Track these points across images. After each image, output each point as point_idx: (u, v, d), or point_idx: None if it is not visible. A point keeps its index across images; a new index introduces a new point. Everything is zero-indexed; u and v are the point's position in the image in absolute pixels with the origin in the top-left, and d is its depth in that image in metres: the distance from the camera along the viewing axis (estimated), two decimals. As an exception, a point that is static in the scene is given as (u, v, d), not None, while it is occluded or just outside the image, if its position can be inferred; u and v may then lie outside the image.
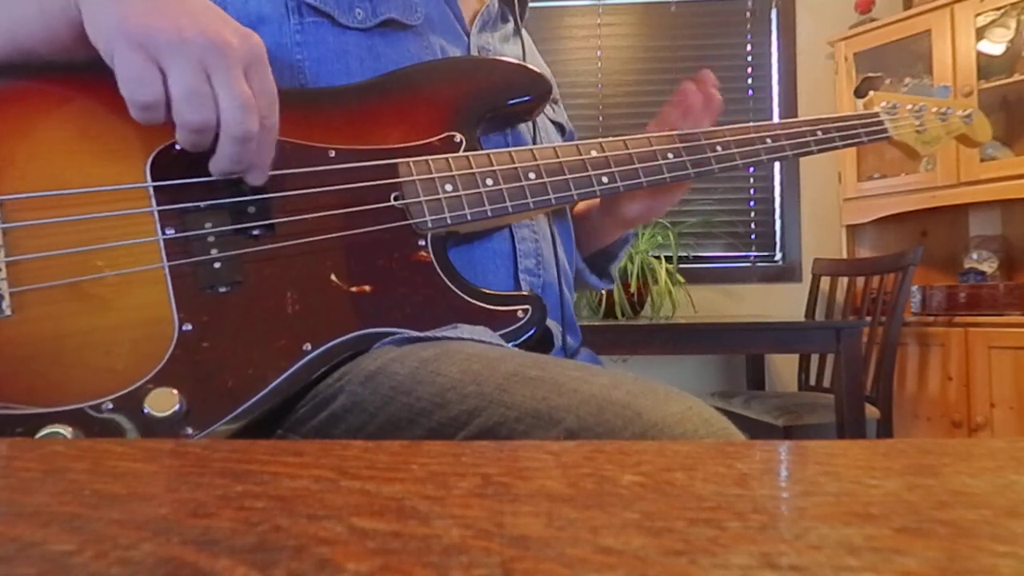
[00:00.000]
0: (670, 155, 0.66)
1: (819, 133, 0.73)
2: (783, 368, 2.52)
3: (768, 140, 0.70)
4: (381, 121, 0.56)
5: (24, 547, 0.13)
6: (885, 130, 0.79)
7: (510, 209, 0.57)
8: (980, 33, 2.19)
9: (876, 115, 0.79)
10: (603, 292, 2.14)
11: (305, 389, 0.49)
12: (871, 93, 0.82)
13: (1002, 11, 2.17)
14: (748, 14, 2.64)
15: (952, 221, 2.50)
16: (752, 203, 2.63)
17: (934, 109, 0.84)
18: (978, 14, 2.16)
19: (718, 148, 0.68)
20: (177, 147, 0.48)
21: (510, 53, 0.73)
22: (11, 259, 0.43)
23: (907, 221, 2.47)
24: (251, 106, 0.45)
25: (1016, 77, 2.15)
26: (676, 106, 0.69)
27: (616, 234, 0.82)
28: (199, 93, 0.44)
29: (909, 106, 0.82)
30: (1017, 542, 0.14)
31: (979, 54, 2.18)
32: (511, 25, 0.76)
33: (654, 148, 0.65)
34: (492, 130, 0.64)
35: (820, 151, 0.73)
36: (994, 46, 2.23)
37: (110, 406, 0.42)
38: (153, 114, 0.44)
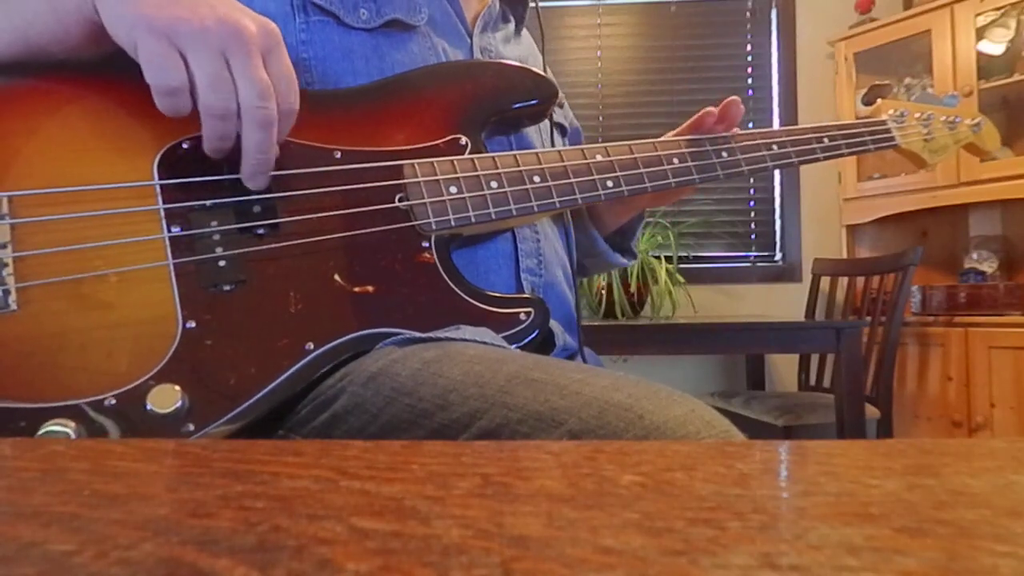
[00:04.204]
0: (675, 160, 0.65)
1: (825, 140, 0.72)
2: (783, 368, 2.52)
3: (774, 147, 0.70)
4: (387, 123, 0.56)
5: (24, 547, 0.13)
6: (892, 138, 0.78)
7: (514, 212, 0.57)
8: (980, 33, 2.19)
9: (883, 123, 0.79)
10: (603, 292, 2.13)
11: (307, 389, 0.49)
12: (879, 101, 0.81)
13: (1002, 11, 2.17)
14: (748, 14, 2.63)
15: (952, 221, 2.50)
16: (752, 203, 2.63)
17: (942, 118, 0.83)
18: (978, 14, 2.16)
19: (724, 154, 0.68)
20: (185, 146, 0.49)
21: (511, 54, 0.73)
22: (19, 254, 0.44)
23: (907, 221, 2.46)
24: (269, 92, 0.45)
25: (1016, 77, 2.15)
26: (695, 127, 0.69)
27: (626, 217, 0.82)
28: (221, 78, 0.44)
29: (918, 114, 0.81)
30: (1017, 542, 0.14)
31: (979, 54, 2.18)
32: (512, 26, 0.76)
33: (659, 153, 0.65)
34: (497, 133, 0.64)
35: (826, 158, 0.72)
36: (994, 46, 2.23)
37: (113, 402, 0.43)
38: (178, 100, 0.45)
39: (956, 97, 0.87)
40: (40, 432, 0.40)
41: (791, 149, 0.70)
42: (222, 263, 0.48)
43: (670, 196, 0.75)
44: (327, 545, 0.13)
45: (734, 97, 0.68)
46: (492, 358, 0.45)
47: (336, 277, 0.51)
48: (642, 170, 0.63)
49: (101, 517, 0.15)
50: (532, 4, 0.76)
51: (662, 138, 0.69)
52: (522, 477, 0.19)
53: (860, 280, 2.16)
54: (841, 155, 0.74)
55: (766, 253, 2.62)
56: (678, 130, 0.70)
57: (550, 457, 0.21)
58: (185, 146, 0.49)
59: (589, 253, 0.84)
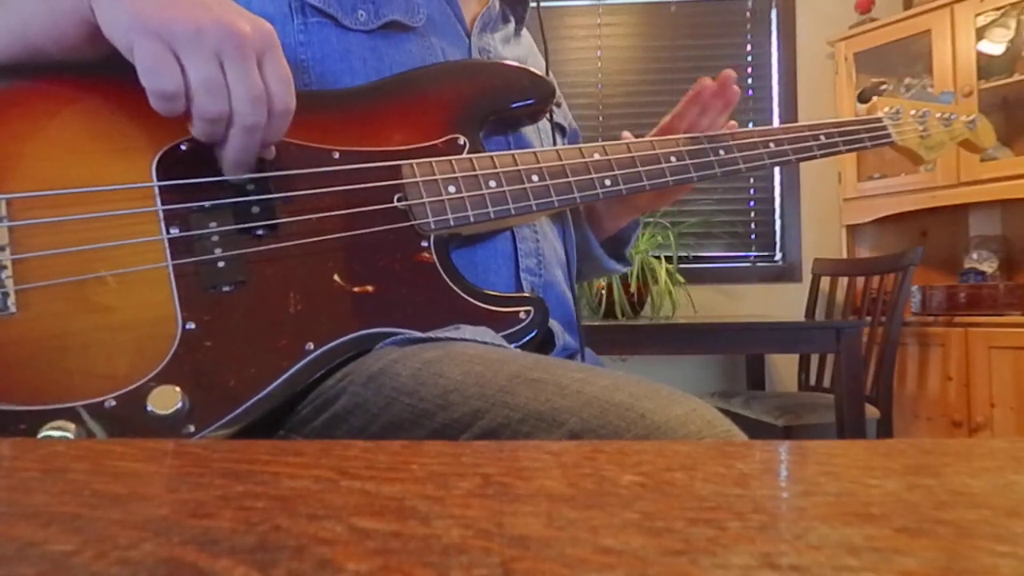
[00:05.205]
0: (673, 158, 0.65)
1: (822, 138, 0.72)
2: (783, 368, 2.52)
3: (771, 144, 0.70)
4: (385, 123, 0.56)
5: (24, 547, 0.13)
6: (889, 135, 0.78)
7: (512, 211, 0.57)
8: (980, 33, 2.19)
9: (880, 120, 0.79)
10: (603, 292, 2.14)
11: (307, 389, 0.49)
12: (874, 98, 0.82)
13: (1002, 11, 2.17)
14: (748, 14, 2.64)
15: (952, 221, 2.50)
16: (752, 203, 2.63)
17: (938, 114, 0.83)
18: (978, 14, 2.16)
19: (721, 152, 0.68)
20: (183, 147, 0.49)
21: (510, 55, 0.73)
22: (17, 256, 0.44)
23: (907, 221, 2.46)
24: (261, 97, 0.45)
25: (1016, 77, 2.15)
26: (694, 101, 0.69)
27: (625, 220, 0.82)
28: (216, 83, 0.44)
29: (913, 111, 0.82)
30: (1017, 542, 0.14)
31: (979, 54, 2.18)
32: (512, 26, 0.76)
33: (657, 151, 0.65)
34: (495, 133, 0.64)
35: (823, 156, 0.72)
36: (994, 46, 2.23)
37: (113, 404, 0.42)
38: (174, 104, 0.44)
39: (951, 94, 0.88)
40: (40, 436, 0.40)
41: (788, 147, 0.70)
42: (221, 264, 0.48)
43: (668, 197, 0.75)
44: (327, 545, 0.13)
45: (730, 71, 0.68)
46: (493, 358, 0.45)
47: (335, 277, 0.51)
48: (640, 168, 0.64)
49: (101, 517, 0.15)
50: (533, 4, 0.76)
51: (659, 124, 0.69)
52: (522, 477, 0.19)
53: (860, 280, 2.16)
54: (838, 152, 0.74)
55: (766, 253, 2.62)
56: (675, 110, 0.70)
57: (550, 457, 0.21)
58: (183, 147, 0.49)
59: (585, 257, 0.84)
